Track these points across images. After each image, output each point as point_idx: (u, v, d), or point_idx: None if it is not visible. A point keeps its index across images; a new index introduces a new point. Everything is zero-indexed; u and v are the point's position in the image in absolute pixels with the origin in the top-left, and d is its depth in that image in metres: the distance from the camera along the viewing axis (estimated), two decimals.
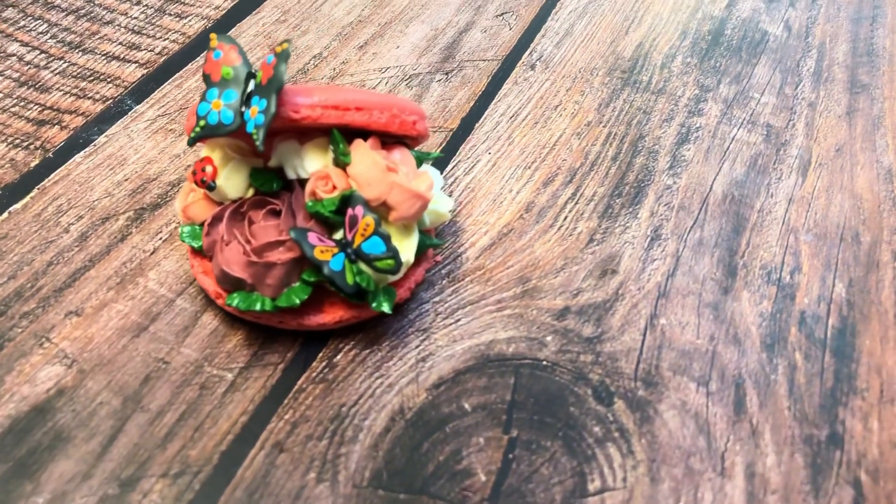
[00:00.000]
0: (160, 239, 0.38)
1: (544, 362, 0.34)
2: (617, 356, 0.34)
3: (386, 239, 0.31)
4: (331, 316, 0.33)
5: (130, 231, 0.38)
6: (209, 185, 0.33)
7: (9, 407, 0.31)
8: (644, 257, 0.38)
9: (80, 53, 0.48)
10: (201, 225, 0.34)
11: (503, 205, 0.41)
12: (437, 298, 0.36)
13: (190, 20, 0.52)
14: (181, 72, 0.48)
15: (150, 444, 0.31)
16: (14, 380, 0.32)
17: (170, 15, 0.52)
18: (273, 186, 0.33)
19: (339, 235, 0.32)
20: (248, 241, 0.32)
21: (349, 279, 0.31)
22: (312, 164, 0.33)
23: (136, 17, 0.52)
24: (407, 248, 0.33)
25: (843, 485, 0.31)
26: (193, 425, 0.31)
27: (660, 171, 0.43)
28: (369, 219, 0.31)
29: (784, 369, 0.34)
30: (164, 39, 0.50)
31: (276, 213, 0.33)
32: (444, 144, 0.44)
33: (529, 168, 0.43)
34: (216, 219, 0.33)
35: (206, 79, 0.31)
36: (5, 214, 0.39)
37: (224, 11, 0.53)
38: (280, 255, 0.32)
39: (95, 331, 0.34)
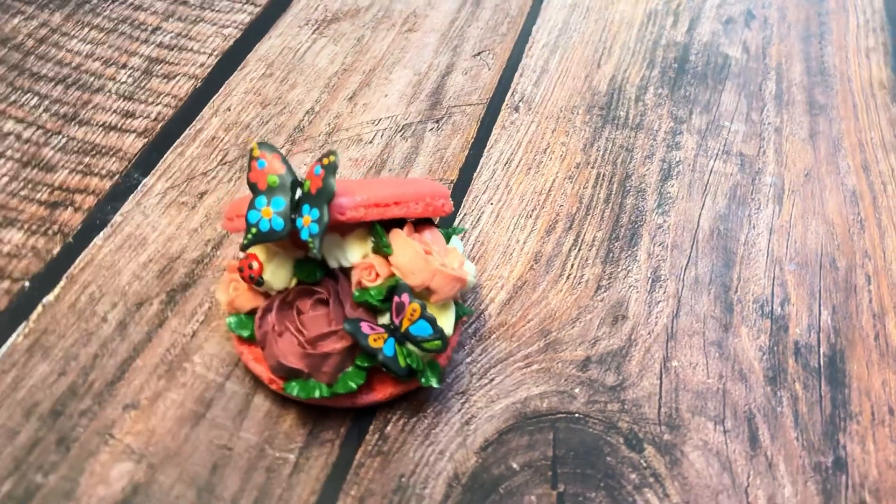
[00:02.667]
0: (197, 321, 0.40)
1: (577, 414, 0.37)
2: (640, 402, 0.38)
3: (432, 322, 0.33)
4: (382, 393, 0.35)
5: (167, 315, 0.40)
6: (258, 281, 0.35)
7: None
8: (649, 300, 0.42)
9: (77, 126, 0.49)
10: (246, 314, 0.36)
11: (513, 256, 0.44)
12: (468, 359, 0.39)
13: (178, 80, 0.53)
14: (181, 138, 0.49)
15: None
16: (88, 481, 0.34)
17: (157, 77, 0.53)
18: (316, 276, 0.36)
19: (384, 320, 0.35)
20: (301, 333, 0.34)
21: (401, 362, 0.34)
22: (354, 253, 0.35)
23: (124, 82, 0.52)
24: (446, 322, 0.36)
25: None
26: None
27: (649, 210, 0.46)
28: (415, 305, 0.33)
29: (787, 401, 0.38)
30: (157, 104, 0.51)
31: (322, 302, 0.35)
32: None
33: (531, 216, 0.46)
34: (266, 310, 0.35)
35: (253, 187, 0.33)
36: (39, 308, 0.40)
37: (209, 69, 0.54)
38: (334, 345, 0.34)
39: (156, 423, 0.36)
